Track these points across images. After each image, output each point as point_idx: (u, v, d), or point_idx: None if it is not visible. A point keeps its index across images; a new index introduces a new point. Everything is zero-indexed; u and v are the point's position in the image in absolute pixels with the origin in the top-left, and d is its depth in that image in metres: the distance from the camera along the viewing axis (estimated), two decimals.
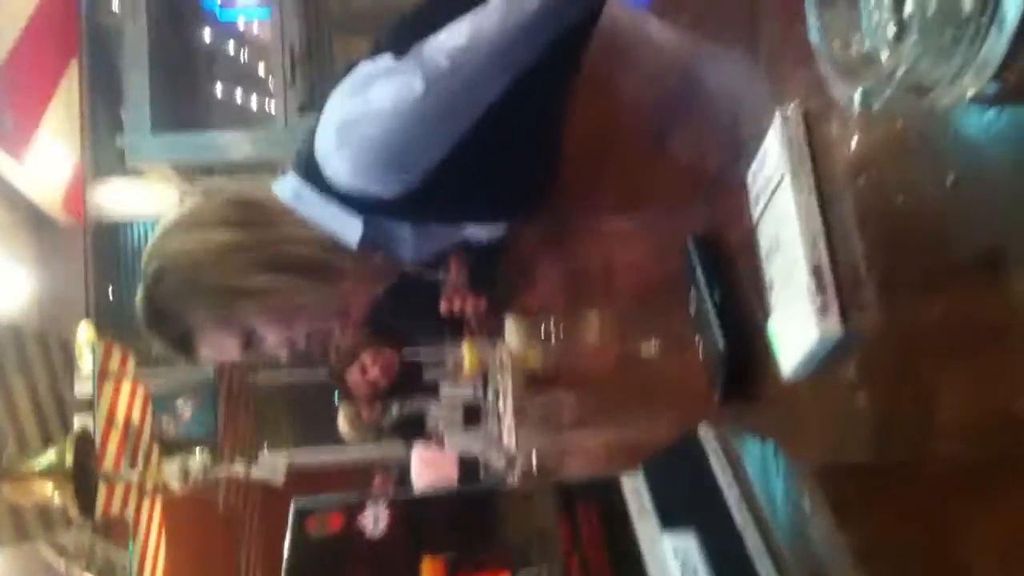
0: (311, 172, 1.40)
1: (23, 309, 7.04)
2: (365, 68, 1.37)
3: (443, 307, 2.08)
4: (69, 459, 2.46)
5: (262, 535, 4.88)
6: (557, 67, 1.40)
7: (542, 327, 1.75)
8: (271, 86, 9.41)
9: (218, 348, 1.49)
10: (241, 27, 10.10)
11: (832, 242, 0.58)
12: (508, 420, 2.25)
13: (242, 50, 10.19)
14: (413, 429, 3.02)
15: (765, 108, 0.66)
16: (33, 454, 2.69)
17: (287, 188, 1.45)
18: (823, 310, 0.56)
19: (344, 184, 1.37)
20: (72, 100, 8.65)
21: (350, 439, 3.30)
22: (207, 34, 9.99)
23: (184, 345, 1.48)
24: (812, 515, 0.64)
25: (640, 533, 0.74)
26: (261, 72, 9.84)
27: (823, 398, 0.63)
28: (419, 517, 0.77)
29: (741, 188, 0.71)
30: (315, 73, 7.68)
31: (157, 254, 1.45)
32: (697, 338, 0.81)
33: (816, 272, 0.57)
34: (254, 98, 9.83)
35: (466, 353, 2.43)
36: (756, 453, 0.73)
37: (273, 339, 1.48)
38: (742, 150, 0.71)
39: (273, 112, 9.19)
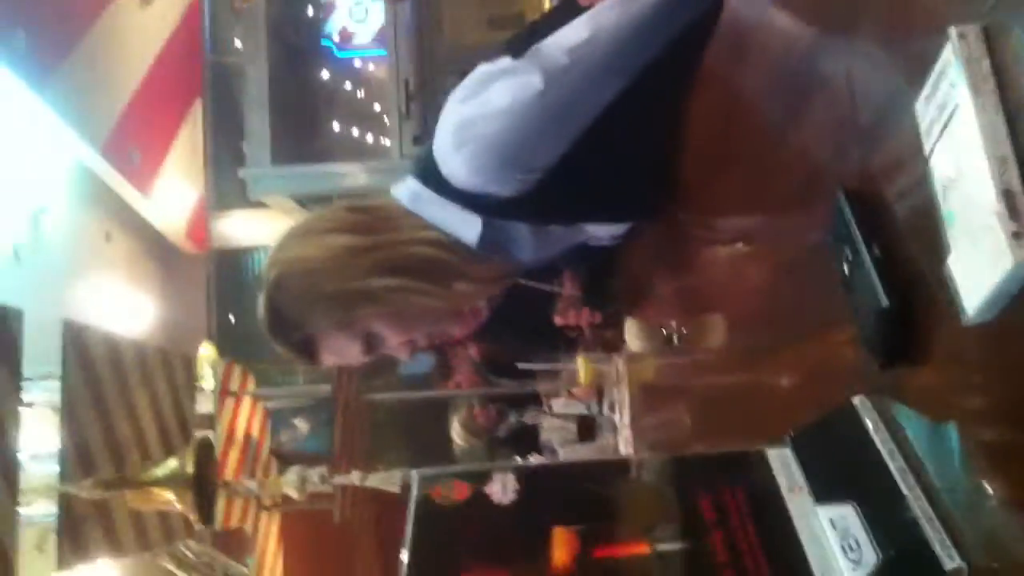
0: (430, 174, 1.39)
1: (149, 332, 7.32)
2: (483, 69, 1.35)
3: (557, 320, 2.04)
4: (190, 467, 2.49)
5: (378, 546, 4.90)
6: (677, 64, 1.36)
7: (663, 330, 1.69)
8: (386, 119, 9.64)
9: (339, 352, 1.49)
10: (357, 65, 10.41)
11: None
12: (625, 433, 2.19)
13: (358, 86, 10.49)
14: (526, 442, 2.98)
15: (894, 93, 0.61)
16: (155, 464, 2.74)
17: (406, 191, 1.44)
18: (1018, 236, 0.50)
19: (462, 183, 1.36)
20: (196, 136, 9.02)
21: (462, 444, 3.28)
22: (325, 72, 10.33)
23: (306, 350, 1.48)
24: (992, 498, 0.57)
25: (791, 506, 0.68)
26: (376, 107, 10.10)
27: (1007, 351, 0.56)
28: (549, 487, 0.73)
29: (895, 136, 0.65)
30: (428, 106, 7.83)
31: (277, 261, 1.45)
32: (849, 306, 0.74)
33: (1007, 196, 0.51)
34: (370, 131, 10.09)
35: (581, 366, 2.38)
36: (922, 430, 0.66)
37: (393, 341, 1.47)
38: (866, 136, 0.65)
39: (388, 143, 9.40)
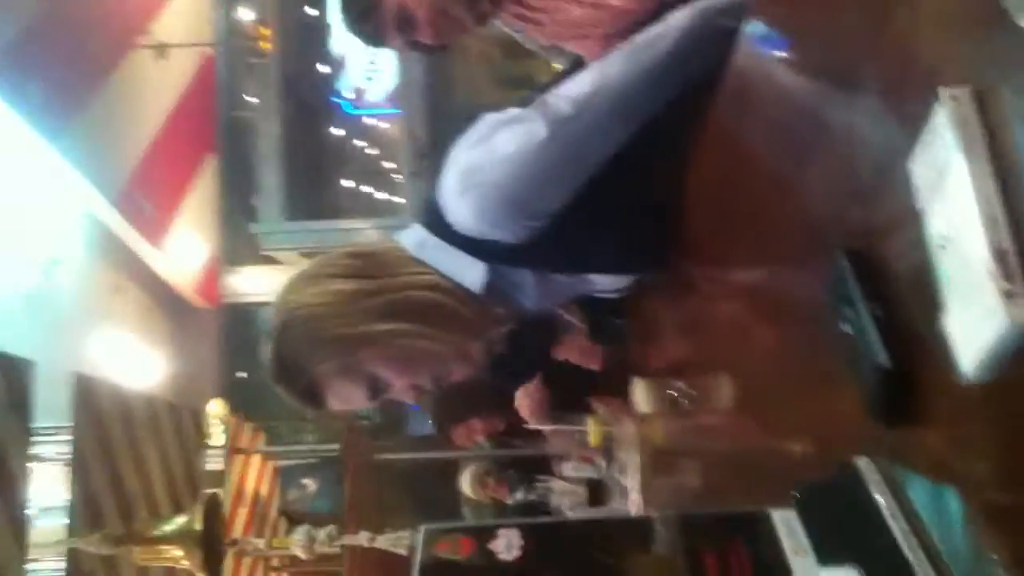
0: (434, 220, 1.41)
1: (158, 387, 7.31)
2: (490, 117, 1.38)
3: (559, 353, 2.04)
4: (199, 523, 2.47)
5: None
6: (682, 118, 1.38)
7: (670, 392, 1.69)
8: (397, 177, 9.74)
9: (345, 396, 1.49)
10: (370, 123, 10.54)
11: (1016, 223, 0.52)
12: (635, 497, 2.17)
13: (371, 144, 10.62)
14: (537, 507, 2.95)
15: (891, 151, 0.63)
16: (164, 520, 2.72)
17: (412, 237, 1.46)
18: (1010, 295, 0.50)
19: (467, 229, 1.37)
20: (208, 189, 9.12)
21: (472, 496, 3.25)
22: (337, 129, 10.46)
23: (312, 397, 1.48)
24: (995, 563, 0.57)
25: (795, 569, 0.67)
26: (388, 164, 10.21)
27: (1005, 411, 0.56)
28: (554, 544, 0.72)
29: (891, 195, 0.66)
30: (440, 165, 7.91)
31: (281, 309, 1.47)
32: (850, 367, 0.75)
33: (999, 255, 0.51)
34: (382, 189, 10.18)
35: (591, 427, 2.37)
36: (926, 493, 0.66)
37: (399, 385, 1.47)
38: (865, 194, 0.66)
39: (400, 201, 9.47)
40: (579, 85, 1.37)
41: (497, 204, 1.34)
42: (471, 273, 1.43)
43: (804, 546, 0.68)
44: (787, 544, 0.69)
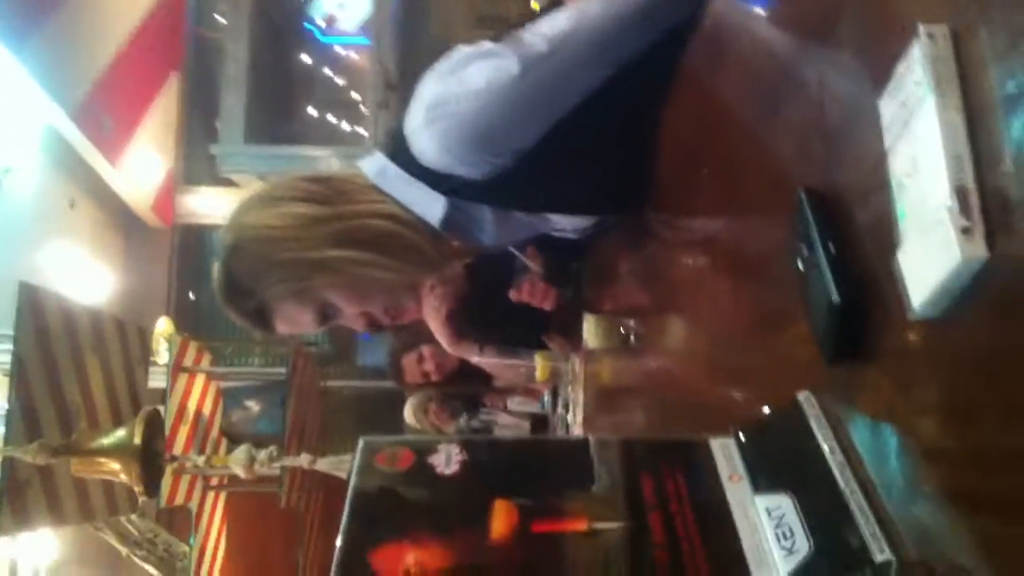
0: (399, 150, 1.39)
1: (107, 302, 7.22)
2: (463, 50, 1.36)
3: (513, 295, 2.04)
4: (138, 438, 2.46)
5: (322, 533, 4.87)
6: (657, 64, 1.37)
7: (621, 329, 1.70)
8: (364, 109, 9.60)
9: (294, 320, 1.48)
10: (340, 52, 10.35)
11: (979, 163, 0.52)
12: (578, 433, 2.20)
13: (339, 73, 10.44)
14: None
15: (862, 96, 0.64)
16: (103, 433, 2.70)
17: (372, 165, 1.44)
18: (967, 232, 0.50)
19: (430, 162, 1.35)
20: (170, 109, 8.93)
21: (416, 426, 3.27)
22: (306, 56, 10.26)
23: (261, 319, 1.47)
24: (930, 498, 0.58)
25: (729, 493, 0.68)
26: (355, 95, 10.06)
27: (949, 349, 0.57)
28: (493, 460, 0.73)
29: (859, 136, 0.66)
30: (407, 98, 7.81)
31: (234, 228, 1.44)
32: (803, 304, 0.75)
33: (960, 192, 0.51)
34: (346, 119, 10.04)
35: (538, 362, 2.38)
36: (865, 428, 0.67)
37: (349, 312, 1.46)
38: (832, 138, 0.68)
39: (364, 132, 9.34)
40: (556, 23, 1.35)
41: (462, 138, 1.32)
42: (431, 207, 1.41)
43: (740, 472, 0.69)
44: (723, 470, 0.69)
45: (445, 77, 1.34)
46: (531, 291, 2.01)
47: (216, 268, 1.46)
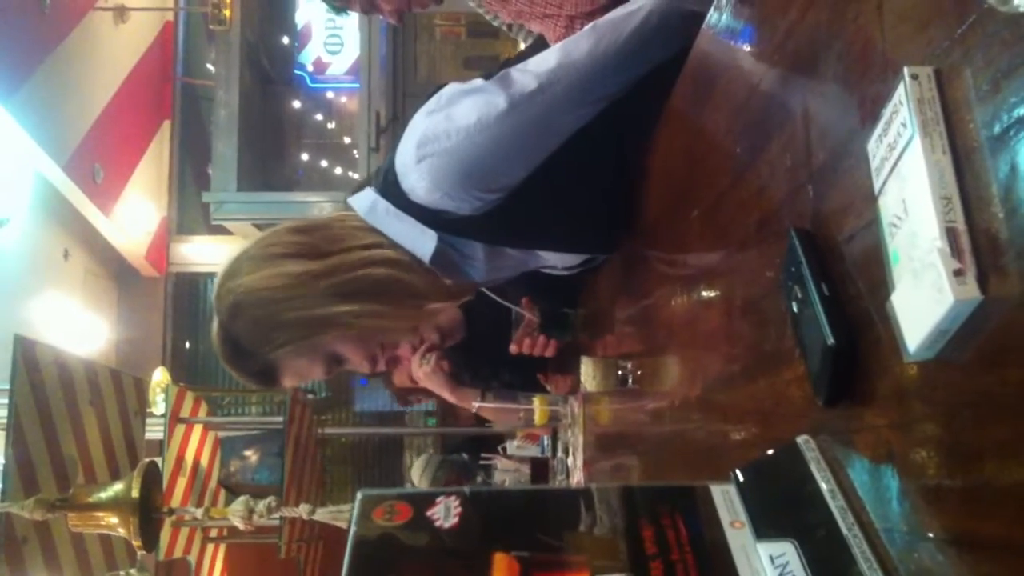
0: (389, 186, 1.40)
1: (102, 353, 7.20)
2: (453, 87, 1.37)
3: (513, 349, 2.04)
4: (136, 491, 2.44)
5: None
6: (643, 100, 1.38)
7: (619, 371, 1.69)
8: (355, 152, 9.64)
9: (303, 375, 1.49)
10: (329, 96, 10.42)
11: (968, 204, 0.52)
12: (578, 476, 2.18)
13: (329, 118, 10.50)
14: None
15: (850, 134, 0.65)
16: (100, 487, 2.67)
17: (363, 201, 1.45)
18: (959, 274, 0.50)
19: (421, 198, 1.36)
20: (162, 157, 8.97)
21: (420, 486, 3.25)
22: (296, 102, 10.33)
23: (267, 376, 1.47)
24: (933, 541, 0.57)
25: (731, 540, 0.67)
26: (346, 139, 10.11)
27: (944, 390, 0.56)
28: (493, 512, 0.72)
29: (848, 177, 0.67)
30: (398, 140, 7.86)
31: (231, 291, 1.43)
32: (797, 345, 0.75)
33: (950, 234, 0.51)
34: (338, 163, 10.08)
35: (537, 406, 2.37)
36: (865, 471, 0.66)
37: (355, 359, 1.47)
38: (820, 176, 0.69)
39: (356, 176, 9.36)
40: (544, 61, 1.36)
41: (452, 174, 1.33)
42: (421, 242, 1.42)
43: (742, 519, 0.69)
44: (725, 516, 0.69)
45: (435, 114, 1.35)
46: (531, 345, 2.02)
47: (215, 331, 1.45)
